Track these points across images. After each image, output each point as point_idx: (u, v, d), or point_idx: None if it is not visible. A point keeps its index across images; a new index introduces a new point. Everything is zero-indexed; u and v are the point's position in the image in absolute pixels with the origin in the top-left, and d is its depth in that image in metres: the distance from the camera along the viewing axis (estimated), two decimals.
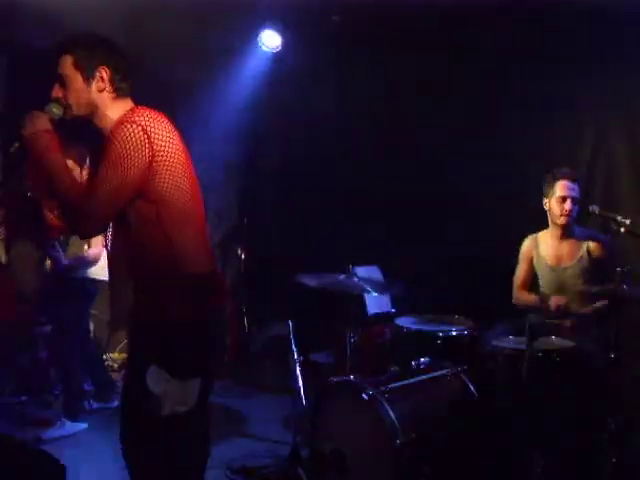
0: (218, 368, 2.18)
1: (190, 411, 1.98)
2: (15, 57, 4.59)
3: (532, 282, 3.73)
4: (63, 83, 2.02)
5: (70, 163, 3.27)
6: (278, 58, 5.13)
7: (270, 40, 4.98)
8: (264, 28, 4.94)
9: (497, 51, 4.37)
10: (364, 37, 4.72)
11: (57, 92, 2.03)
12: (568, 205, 3.47)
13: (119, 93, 2.05)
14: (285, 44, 5.01)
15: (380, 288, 3.59)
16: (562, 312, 3.39)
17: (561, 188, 3.49)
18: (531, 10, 4.07)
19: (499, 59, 4.36)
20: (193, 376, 2.00)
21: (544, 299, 3.49)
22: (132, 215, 1.96)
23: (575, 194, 3.49)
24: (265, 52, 5.09)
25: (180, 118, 2.26)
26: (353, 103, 4.93)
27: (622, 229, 3.12)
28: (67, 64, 2.01)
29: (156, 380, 1.93)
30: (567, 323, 3.41)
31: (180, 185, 1.99)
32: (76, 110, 2.03)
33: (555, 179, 3.52)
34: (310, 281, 3.21)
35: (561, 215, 3.49)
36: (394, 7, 4.11)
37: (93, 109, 2.04)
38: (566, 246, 3.56)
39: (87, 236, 2.73)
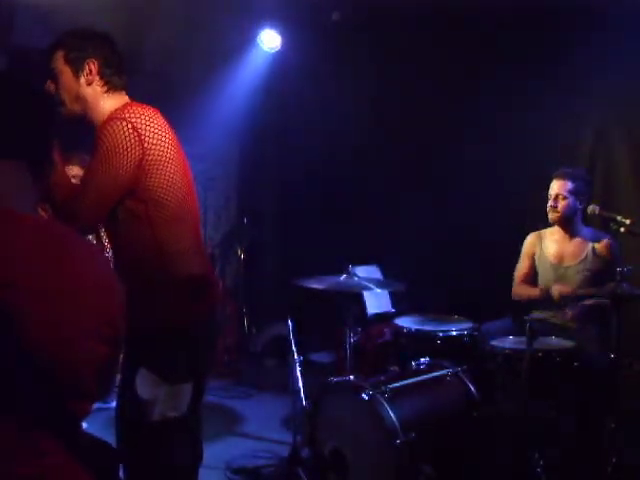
0: (215, 369, 2.17)
1: (184, 414, 1.96)
2: (15, 57, 4.59)
3: (533, 279, 3.73)
4: (55, 78, 2.01)
5: (76, 169, 3.27)
6: (278, 58, 5.13)
7: (270, 40, 4.97)
8: (264, 28, 4.94)
9: (497, 51, 4.37)
10: (364, 36, 4.72)
11: (50, 87, 2.01)
12: (551, 202, 3.54)
13: (110, 86, 2.02)
14: (285, 44, 5.01)
15: (380, 286, 3.59)
16: (565, 301, 3.40)
17: (551, 187, 3.59)
18: (531, 10, 4.07)
19: (499, 59, 4.36)
20: (185, 380, 1.97)
21: (546, 289, 3.51)
22: (121, 214, 1.92)
23: (562, 191, 3.52)
24: (265, 52, 5.08)
25: (179, 118, 2.26)
26: (353, 102, 4.93)
27: (622, 229, 3.13)
28: (58, 59, 2.01)
29: (146, 384, 1.90)
30: (568, 313, 3.41)
31: (172, 184, 1.94)
32: (68, 105, 2.01)
33: (551, 180, 3.60)
34: (310, 282, 3.20)
35: (548, 212, 3.56)
36: (394, 6, 4.11)
37: (84, 103, 2.01)
38: (571, 245, 3.58)
39: None
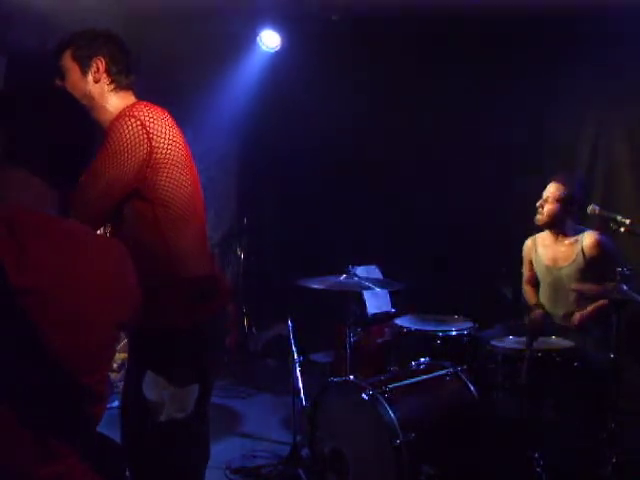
0: (218, 369, 2.17)
1: (190, 415, 1.96)
2: (14, 58, 4.59)
3: (537, 281, 3.75)
4: (62, 75, 2.03)
5: None
6: (278, 58, 5.13)
7: (270, 40, 4.97)
8: (264, 28, 4.93)
9: (497, 51, 4.38)
10: (364, 37, 4.72)
11: (57, 84, 2.03)
12: (540, 201, 3.53)
13: (117, 85, 2.04)
14: (285, 44, 5.01)
15: (380, 286, 3.60)
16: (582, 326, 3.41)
17: (546, 188, 3.57)
18: (531, 11, 4.07)
19: (499, 59, 4.36)
20: (192, 381, 1.96)
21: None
22: (128, 214, 1.92)
23: (552, 195, 3.51)
24: (265, 52, 5.08)
25: (179, 118, 2.26)
26: (353, 102, 4.93)
27: (622, 229, 3.12)
28: (66, 57, 2.02)
29: (152, 386, 1.90)
30: (576, 318, 3.43)
31: (180, 184, 1.94)
32: None
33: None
34: (310, 282, 3.20)
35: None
36: (394, 7, 4.10)
37: (90, 101, 2.01)
38: (562, 247, 3.58)
39: None
